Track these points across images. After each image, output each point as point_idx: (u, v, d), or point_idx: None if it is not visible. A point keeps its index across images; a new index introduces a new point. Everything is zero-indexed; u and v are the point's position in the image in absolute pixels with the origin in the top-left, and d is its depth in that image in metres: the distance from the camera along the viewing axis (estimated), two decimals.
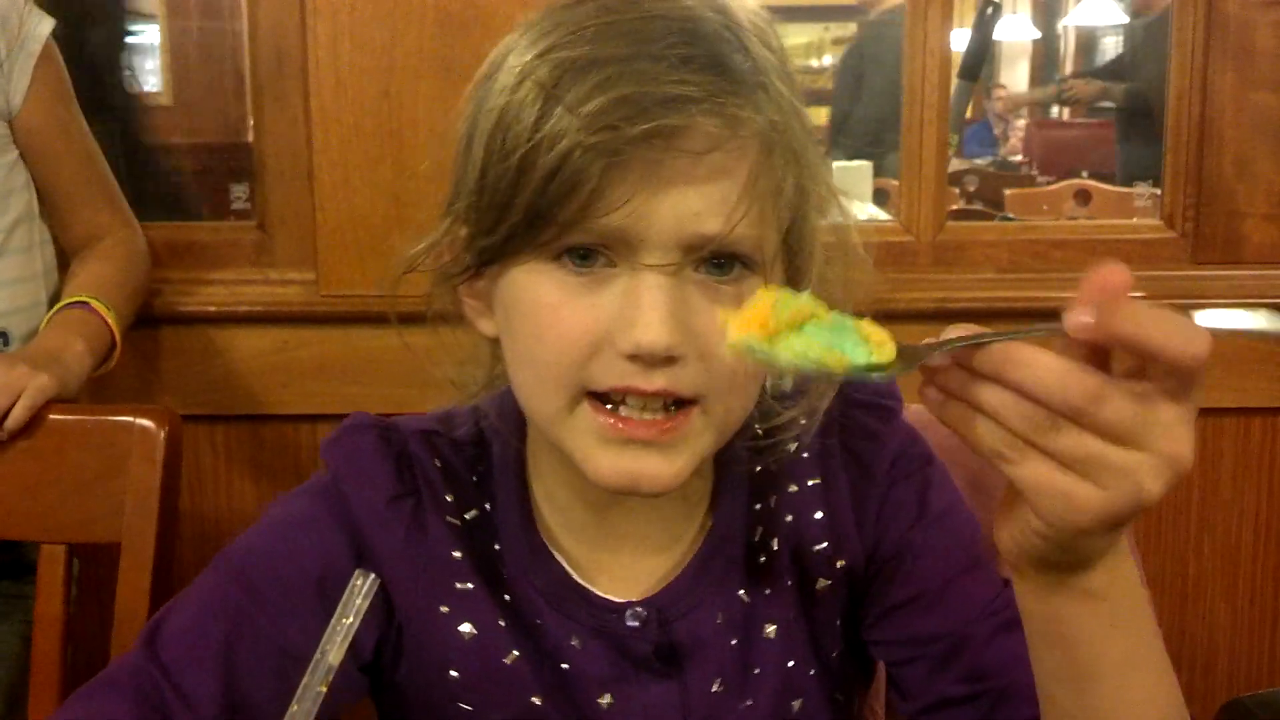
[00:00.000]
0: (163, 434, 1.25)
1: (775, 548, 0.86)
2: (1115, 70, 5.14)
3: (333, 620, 0.67)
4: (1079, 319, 0.54)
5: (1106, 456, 0.56)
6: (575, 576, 0.84)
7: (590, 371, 0.72)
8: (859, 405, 0.87)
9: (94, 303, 1.50)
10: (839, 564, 0.86)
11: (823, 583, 0.86)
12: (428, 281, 0.84)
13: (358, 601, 0.67)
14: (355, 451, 0.85)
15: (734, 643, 0.85)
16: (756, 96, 0.71)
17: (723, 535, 0.85)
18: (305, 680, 0.67)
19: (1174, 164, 1.85)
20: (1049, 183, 5.84)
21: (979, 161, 7.33)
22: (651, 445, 0.72)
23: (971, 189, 5.69)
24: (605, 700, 0.84)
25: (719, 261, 0.72)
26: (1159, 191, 1.98)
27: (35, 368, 1.33)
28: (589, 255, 0.72)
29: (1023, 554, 0.63)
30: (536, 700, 0.83)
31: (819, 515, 0.86)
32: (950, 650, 0.83)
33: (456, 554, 0.83)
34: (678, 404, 0.72)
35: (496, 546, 0.84)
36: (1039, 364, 0.56)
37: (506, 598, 0.83)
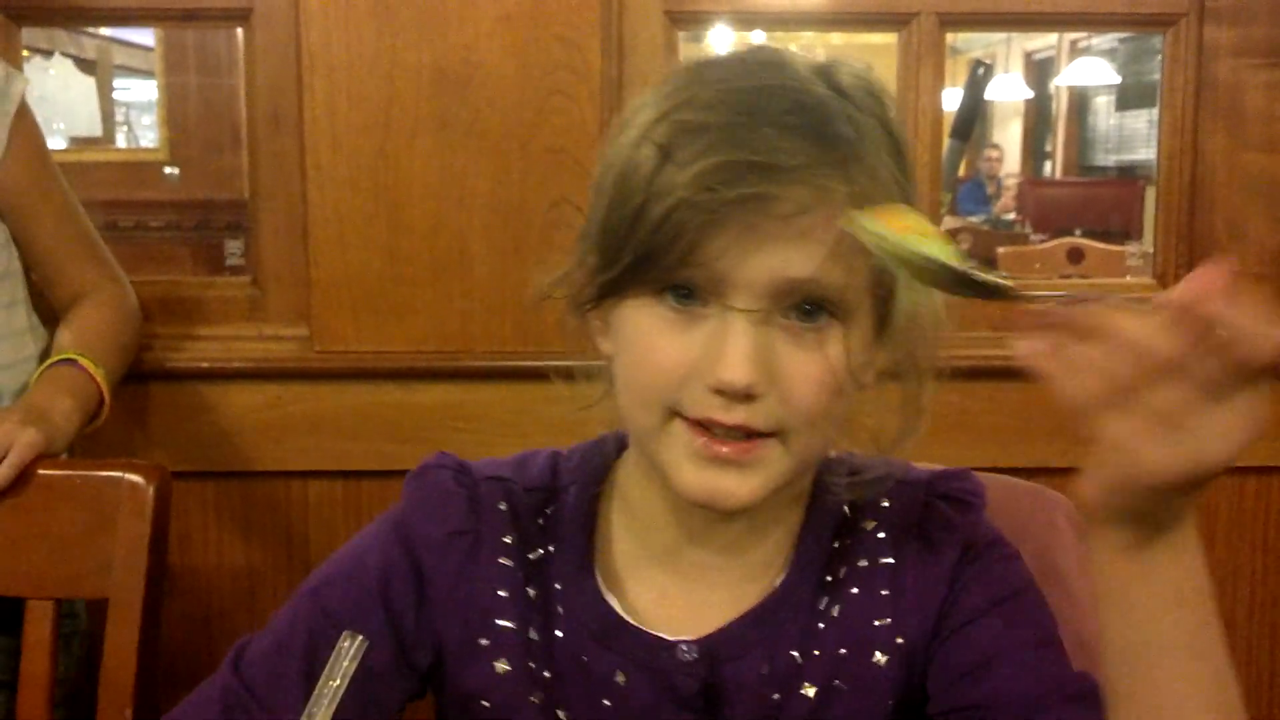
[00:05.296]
0: (152, 489, 1.25)
1: (836, 615, 0.88)
2: None
3: (319, 683, 0.67)
4: (1175, 300, 0.60)
5: (1196, 411, 0.61)
6: (626, 616, 0.88)
7: (680, 399, 0.79)
8: (941, 496, 0.91)
9: (82, 360, 1.50)
10: (898, 640, 0.88)
11: (879, 656, 0.88)
12: (560, 309, 0.90)
13: (344, 664, 0.67)
14: (428, 486, 0.93)
15: (775, 697, 0.87)
16: (849, 168, 0.77)
17: (790, 593, 0.89)
18: None
19: (1165, 223, 1.86)
20: (1042, 241, 5.88)
21: (972, 219, 7.38)
22: (731, 464, 0.79)
23: (964, 247, 5.73)
24: None
25: (807, 308, 0.79)
26: (1151, 250, 1.99)
27: (23, 424, 1.32)
28: (689, 294, 0.79)
29: (1111, 504, 0.66)
30: None
31: (885, 592, 0.89)
32: (1023, 716, 0.82)
33: (503, 593, 0.89)
34: (758, 434, 0.79)
35: (557, 586, 0.90)
36: (1145, 321, 0.61)
37: (558, 633, 0.89)
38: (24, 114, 1.55)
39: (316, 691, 0.66)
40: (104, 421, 1.52)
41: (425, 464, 0.95)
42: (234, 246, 3.91)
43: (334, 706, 0.66)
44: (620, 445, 0.94)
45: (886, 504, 0.91)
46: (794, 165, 0.75)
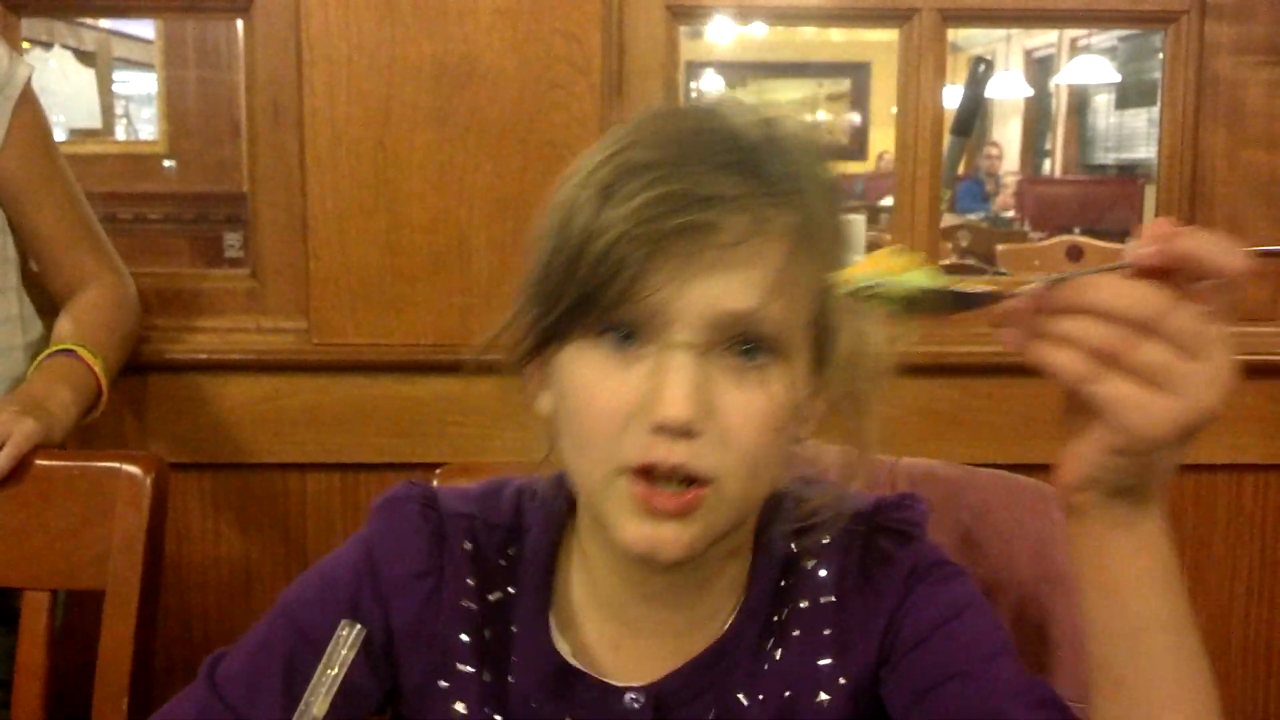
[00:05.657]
0: (149, 480, 1.25)
1: (779, 658, 0.88)
2: None
3: (317, 671, 0.67)
4: (1145, 249, 0.65)
5: (1175, 366, 0.64)
6: (575, 663, 0.88)
7: (622, 445, 0.78)
8: (882, 530, 0.91)
9: (80, 350, 1.49)
10: (841, 680, 0.88)
11: (822, 696, 0.88)
12: (501, 362, 0.89)
13: (343, 652, 0.67)
14: (394, 521, 0.92)
15: None
16: (787, 200, 0.78)
17: (736, 638, 0.88)
18: None
19: None
20: (1041, 238, 5.88)
21: (971, 217, 7.38)
22: (670, 517, 0.78)
23: (964, 244, 5.72)
24: None
25: (747, 348, 0.78)
26: None
27: (21, 414, 1.32)
28: (629, 335, 0.78)
29: (1093, 483, 0.70)
30: None
31: (827, 632, 0.88)
32: None
33: (464, 637, 0.89)
34: (694, 481, 0.78)
35: (514, 629, 0.89)
36: (1115, 286, 0.65)
37: (511, 679, 0.88)
38: (27, 100, 1.54)
39: (314, 680, 0.66)
40: (102, 413, 1.52)
41: (394, 494, 0.94)
42: (233, 239, 3.91)
43: (332, 695, 0.66)
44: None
45: (827, 540, 0.90)
46: (733, 195, 0.76)
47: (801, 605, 0.89)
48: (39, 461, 1.30)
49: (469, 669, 0.88)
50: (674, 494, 0.77)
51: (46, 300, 1.62)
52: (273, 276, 1.80)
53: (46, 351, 1.50)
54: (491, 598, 0.90)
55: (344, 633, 0.68)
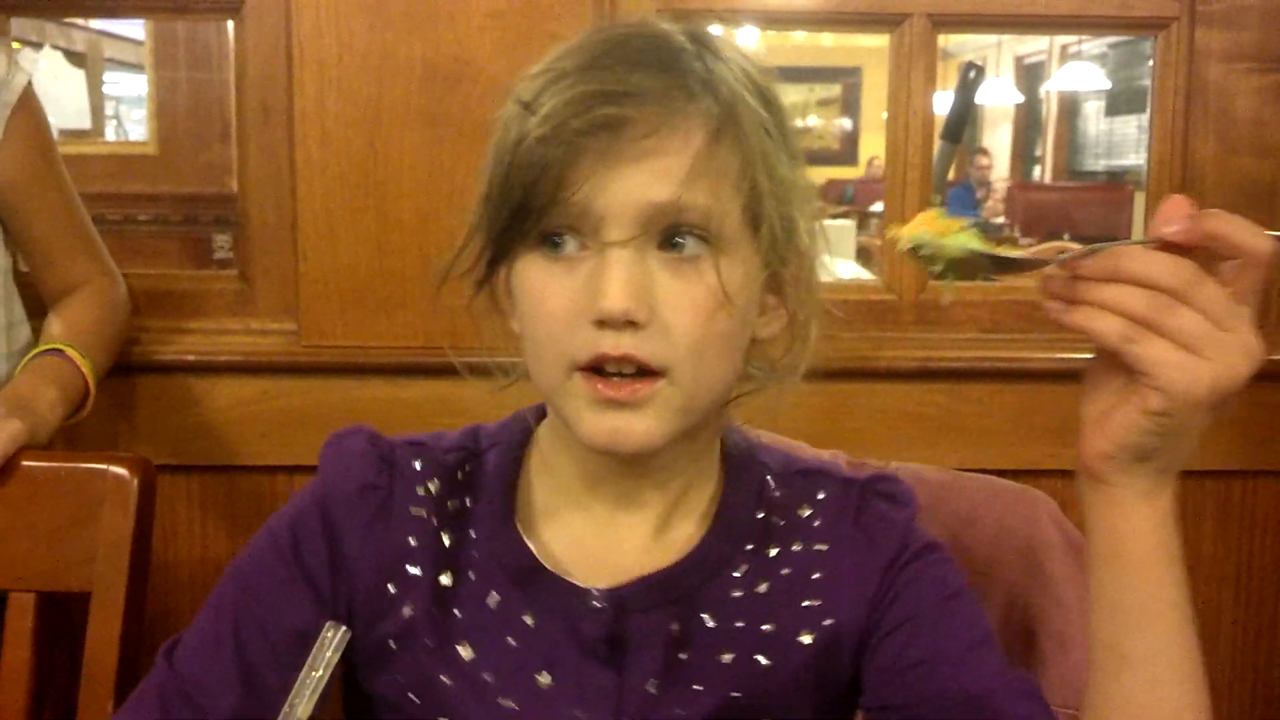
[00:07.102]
0: (136, 482, 1.24)
1: (764, 591, 0.89)
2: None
3: (301, 674, 0.67)
4: (1174, 226, 0.69)
5: (1209, 333, 0.69)
6: (543, 561, 0.89)
7: (572, 344, 0.81)
8: (876, 494, 0.93)
9: (68, 350, 1.49)
10: (825, 622, 0.88)
11: (805, 637, 0.88)
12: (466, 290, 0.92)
13: (327, 654, 0.67)
14: (341, 449, 0.95)
15: (682, 656, 0.87)
16: (699, 91, 0.80)
17: (706, 558, 0.89)
18: None
19: None
20: (1031, 244, 5.88)
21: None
22: (625, 406, 0.81)
23: None
24: (544, 680, 0.87)
25: (678, 241, 0.81)
26: None
27: (7, 415, 1.32)
28: (563, 241, 0.81)
29: (1124, 448, 0.73)
30: (446, 680, 0.88)
31: (817, 576, 0.90)
32: (971, 711, 0.84)
33: (413, 541, 0.91)
34: (646, 373, 0.81)
35: (473, 534, 0.91)
36: (1150, 257, 0.70)
37: (472, 576, 0.90)
38: (25, 105, 1.53)
39: (299, 682, 0.66)
40: (88, 414, 1.51)
41: (339, 432, 0.97)
42: (222, 240, 3.91)
43: (316, 697, 0.66)
44: (540, 416, 0.95)
45: (823, 496, 0.93)
46: (643, 90, 0.78)
47: (795, 549, 0.90)
48: (25, 462, 1.29)
49: (417, 572, 0.90)
50: (623, 382, 0.80)
51: (35, 302, 1.61)
52: (262, 278, 1.79)
53: (35, 351, 1.50)
54: (449, 505, 0.92)
55: (329, 634, 0.68)
